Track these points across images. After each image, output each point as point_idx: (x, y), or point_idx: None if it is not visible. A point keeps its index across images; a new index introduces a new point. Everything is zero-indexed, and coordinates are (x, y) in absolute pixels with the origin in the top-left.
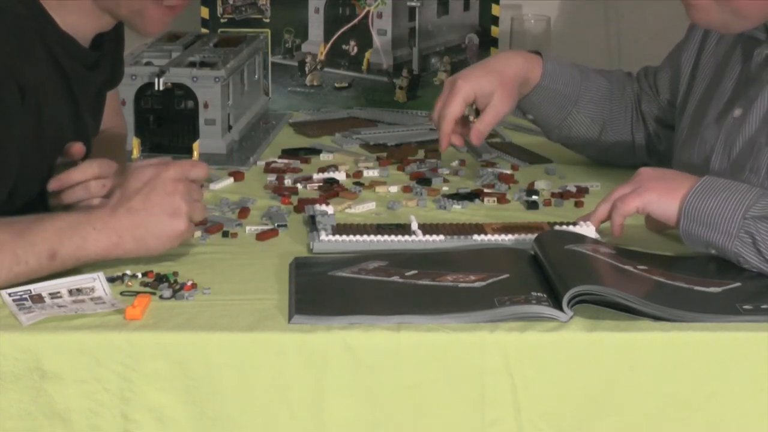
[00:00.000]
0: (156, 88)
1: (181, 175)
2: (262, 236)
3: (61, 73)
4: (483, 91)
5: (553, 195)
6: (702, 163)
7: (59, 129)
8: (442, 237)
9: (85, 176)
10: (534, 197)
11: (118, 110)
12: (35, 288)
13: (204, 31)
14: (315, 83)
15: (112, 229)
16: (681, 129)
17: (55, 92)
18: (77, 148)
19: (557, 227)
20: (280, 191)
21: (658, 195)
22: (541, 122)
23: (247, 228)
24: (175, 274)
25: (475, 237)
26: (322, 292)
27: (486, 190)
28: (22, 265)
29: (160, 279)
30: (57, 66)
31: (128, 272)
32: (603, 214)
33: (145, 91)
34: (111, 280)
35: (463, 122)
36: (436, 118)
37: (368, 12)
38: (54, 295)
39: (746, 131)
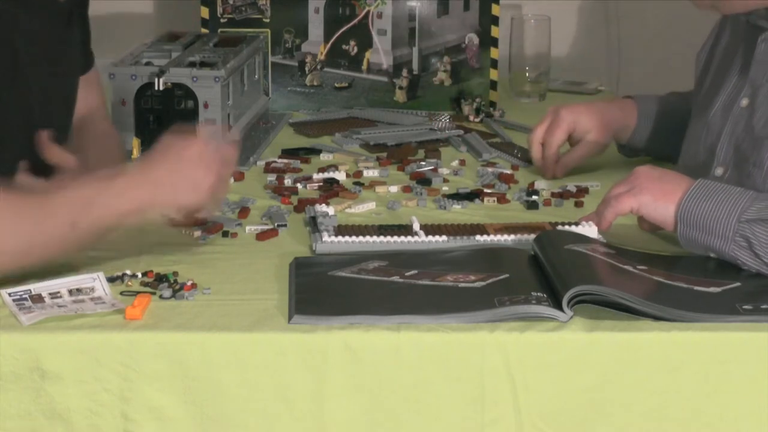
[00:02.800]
0: (156, 88)
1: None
2: (262, 236)
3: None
4: (582, 127)
5: (553, 195)
6: (707, 153)
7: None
8: (444, 238)
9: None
10: (534, 197)
11: (105, 115)
12: (35, 288)
13: (204, 31)
14: (315, 83)
15: (147, 180)
16: (690, 122)
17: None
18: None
19: (558, 227)
20: (280, 191)
21: (654, 198)
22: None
23: (247, 228)
24: (175, 274)
25: (477, 237)
26: (322, 292)
27: (486, 190)
28: (61, 218)
29: (160, 279)
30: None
31: (128, 272)
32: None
33: (145, 91)
34: (111, 280)
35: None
36: (537, 145)
37: (368, 12)
38: (54, 295)
39: (752, 122)
